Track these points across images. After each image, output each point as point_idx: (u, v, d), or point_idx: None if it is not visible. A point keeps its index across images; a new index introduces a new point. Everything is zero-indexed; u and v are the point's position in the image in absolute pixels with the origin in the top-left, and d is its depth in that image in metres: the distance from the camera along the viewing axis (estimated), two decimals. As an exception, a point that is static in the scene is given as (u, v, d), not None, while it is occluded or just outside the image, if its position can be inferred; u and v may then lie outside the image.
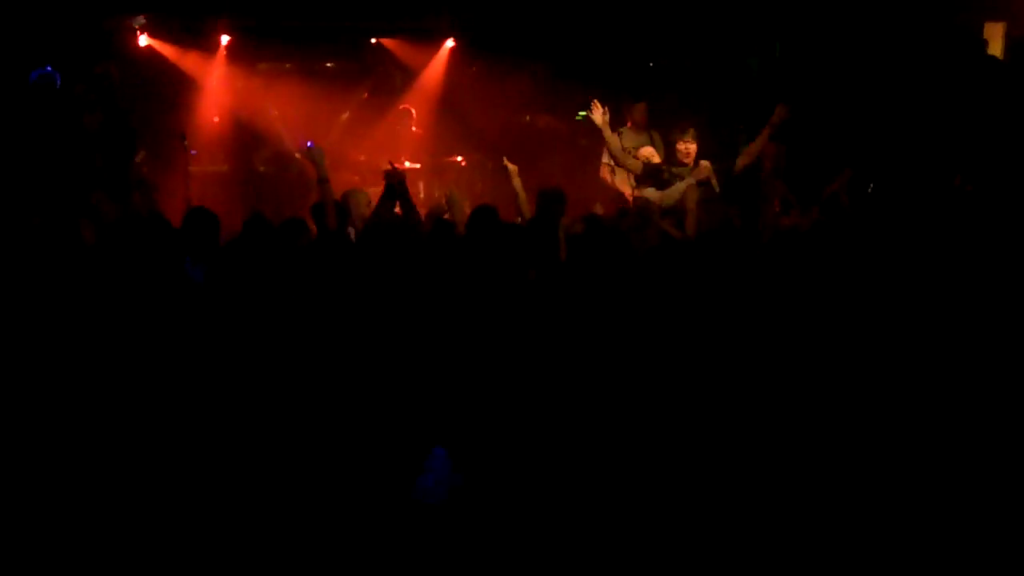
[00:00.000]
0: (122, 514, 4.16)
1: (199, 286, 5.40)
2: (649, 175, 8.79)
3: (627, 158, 9.09)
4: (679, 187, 8.25)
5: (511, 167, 7.74)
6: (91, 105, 8.81)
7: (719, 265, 5.25)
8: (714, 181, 8.72)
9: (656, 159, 9.11)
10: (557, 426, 4.24)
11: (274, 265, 5.47)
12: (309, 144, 7.35)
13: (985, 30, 9.53)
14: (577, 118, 11.76)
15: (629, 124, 9.91)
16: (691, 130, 8.91)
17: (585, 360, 4.46)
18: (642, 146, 9.68)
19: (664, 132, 9.55)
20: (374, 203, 7.44)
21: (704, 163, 8.81)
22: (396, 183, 6.88)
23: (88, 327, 4.74)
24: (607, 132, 8.86)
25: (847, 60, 9.88)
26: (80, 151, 8.66)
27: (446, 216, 7.46)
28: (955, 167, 8.06)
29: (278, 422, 4.47)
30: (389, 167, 7.08)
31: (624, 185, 9.48)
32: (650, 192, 8.52)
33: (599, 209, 8.74)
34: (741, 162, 8.85)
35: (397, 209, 6.94)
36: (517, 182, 7.69)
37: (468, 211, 7.02)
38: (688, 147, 8.85)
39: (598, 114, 8.76)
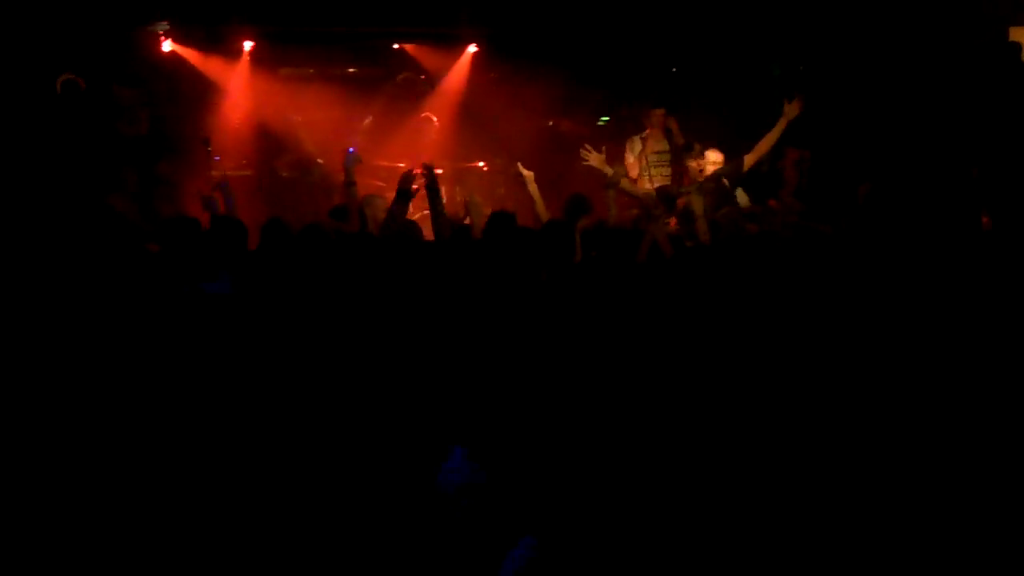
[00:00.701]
0: (148, 515, 4.19)
1: (218, 298, 5.40)
2: (662, 200, 8.82)
3: (634, 187, 9.11)
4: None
5: (526, 173, 7.73)
6: (132, 109, 8.90)
7: (730, 271, 5.25)
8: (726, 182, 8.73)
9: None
10: (570, 423, 4.25)
11: (296, 268, 5.50)
12: (350, 150, 7.46)
13: (1010, 35, 9.46)
14: (599, 123, 11.77)
15: (649, 130, 9.91)
16: (697, 147, 8.96)
17: (592, 359, 4.46)
18: (664, 150, 9.71)
19: (687, 137, 9.57)
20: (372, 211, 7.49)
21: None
22: (411, 187, 6.91)
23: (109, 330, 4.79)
24: (608, 170, 8.81)
25: (871, 66, 9.84)
26: (116, 154, 8.75)
27: (466, 221, 7.49)
28: (979, 172, 8.03)
29: (297, 422, 4.49)
30: (420, 170, 7.09)
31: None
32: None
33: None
34: (750, 159, 8.86)
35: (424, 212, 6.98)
36: (533, 188, 7.68)
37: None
38: (700, 164, 8.91)
39: (594, 158, 8.64)
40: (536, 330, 4.66)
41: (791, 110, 8.85)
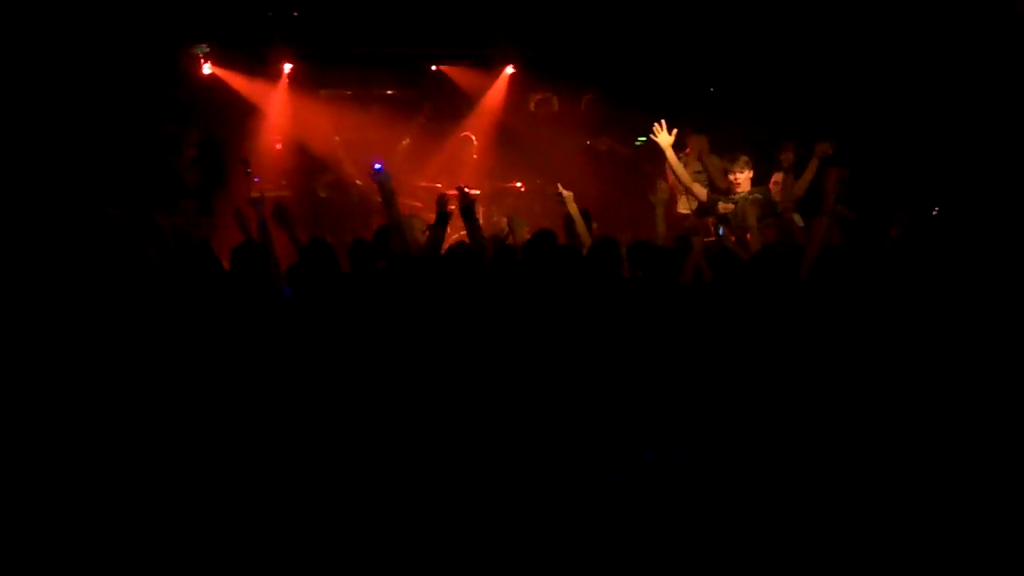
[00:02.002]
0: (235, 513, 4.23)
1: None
2: (700, 214, 8.85)
3: (693, 183, 9.06)
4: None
5: (566, 193, 7.73)
6: (183, 141, 9.03)
7: (775, 282, 5.24)
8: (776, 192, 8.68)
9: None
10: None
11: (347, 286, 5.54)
12: (378, 167, 7.36)
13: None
14: (637, 144, 11.74)
15: (688, 151, 9.87)
16: (742, 158, 8.90)
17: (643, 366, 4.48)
18: (699, 170, 9.67)
19: (722, 158, 9.53)
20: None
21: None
22: (448, 210, 6.90)
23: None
24: (670, 154, 8.79)
25: (910, 82, 9.78)
26: (169, 181, 8.90)
27: (508, 240, 7.49)
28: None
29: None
30: (455, 192, 7.09)
31: (685, 208, 9.49)
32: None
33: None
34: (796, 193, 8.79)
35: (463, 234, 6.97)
36: (573, 208, 7.67)
37: (528, 236, 7.07)
38: (738, 177, 8.87)
39: (664, 136, 8.68)
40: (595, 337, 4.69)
41: (822, 149, 8.76)
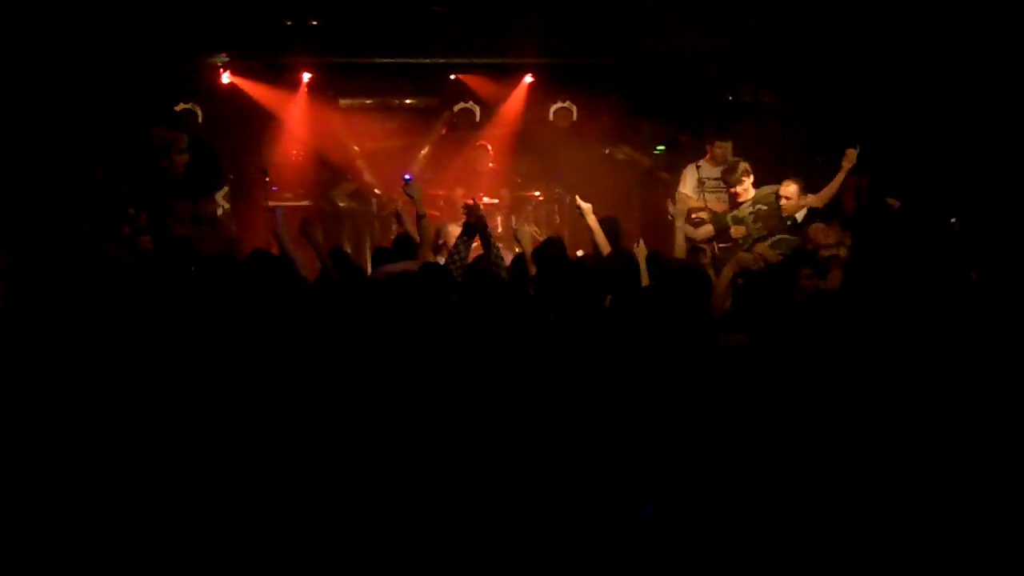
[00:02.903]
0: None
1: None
2: (719, 233, 8.89)
3: (693, 231, 9.06)
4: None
5: (584, 205, 7.70)
6: (172, 146, 9.05)
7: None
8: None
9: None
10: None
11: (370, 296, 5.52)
12: (407, 177, 7.35)
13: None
14: (656, 152, 11.73)
15: (708, 156, 9.86)
16: (740, 166, 8.97)
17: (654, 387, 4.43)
18: (718, 176, 9.67)
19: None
20: (445, 238, 7.50)
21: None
22: (476, 220, 6.86)
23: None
24: (678, 223, 8.67)
25: (929, 88, 9.73)
26: (163, 188, 8.92)
27: (517, 250, 7.48)
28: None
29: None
30: (471, 202, 7.05)
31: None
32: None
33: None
34: (814, 203, 8.76)
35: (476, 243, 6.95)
36: (592, 219, 7.64)
37: (533, 247, 7.09)
38: (738, 189, 8.94)
39: (672, 209, 8.69)
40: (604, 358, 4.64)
41: (849, 160, 8.73)
